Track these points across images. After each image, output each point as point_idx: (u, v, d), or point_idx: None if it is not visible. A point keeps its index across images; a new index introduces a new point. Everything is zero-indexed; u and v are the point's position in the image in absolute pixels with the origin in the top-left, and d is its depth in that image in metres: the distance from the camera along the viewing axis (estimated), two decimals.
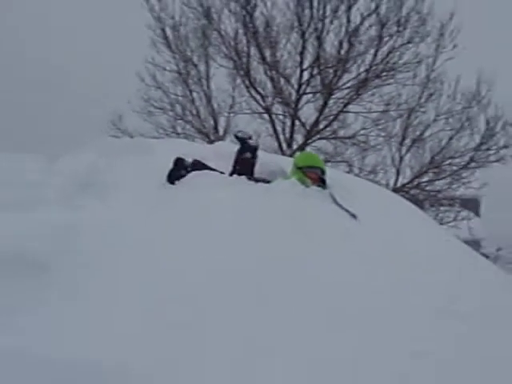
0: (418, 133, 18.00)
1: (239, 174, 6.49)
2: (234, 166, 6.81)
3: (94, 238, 5.15)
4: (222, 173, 6.52)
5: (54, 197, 5.93)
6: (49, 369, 3.66)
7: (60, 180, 6.28)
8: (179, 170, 6.47)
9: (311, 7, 17.46)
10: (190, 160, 6.66)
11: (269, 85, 18.09)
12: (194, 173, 6.29)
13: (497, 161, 17.47)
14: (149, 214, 5.54)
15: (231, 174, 6.60)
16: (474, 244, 20.90)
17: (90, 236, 5.17)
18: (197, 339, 4.19)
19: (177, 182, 6.34)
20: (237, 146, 7.05)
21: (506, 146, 17.28)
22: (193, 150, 7.36)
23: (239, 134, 7.02)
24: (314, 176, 6.28)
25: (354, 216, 5.85)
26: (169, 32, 18.06)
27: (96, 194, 5.86)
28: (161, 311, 4.41)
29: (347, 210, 5.89)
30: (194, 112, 18.28)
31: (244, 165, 6.80)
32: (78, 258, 4.87)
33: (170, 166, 6.50)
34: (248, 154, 6.85)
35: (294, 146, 17.85)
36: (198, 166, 6.60)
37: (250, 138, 7.10)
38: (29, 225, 5.29)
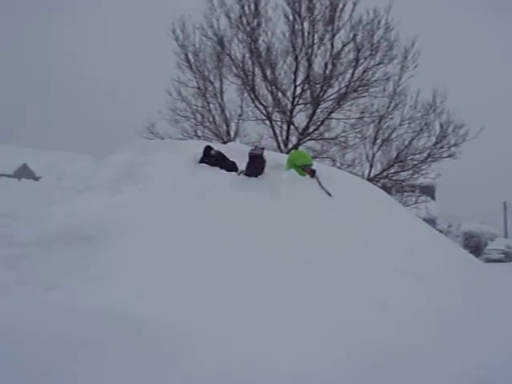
0: (386, 135, 17.85)
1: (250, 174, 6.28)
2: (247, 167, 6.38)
3: (129, 215, 5.14)
4: (233, 162, 6.57)
5: (100, 186, 5.92)
6: (93, 316, 3.67)
7: (106, 172, 6.27)
8: (206, 157, 6.56)
9: (303, 36, 17.31)
10: (215, 149, 6.70)
11: (269, 97, 17.96)
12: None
13: (448, 156, 17.38)
14: (176, 197, 5.51)
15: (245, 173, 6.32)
16: (431, 222, 20.84)
17: (126, 214, 5.15)
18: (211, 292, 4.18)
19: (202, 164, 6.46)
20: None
21: (455, 145, 17.17)
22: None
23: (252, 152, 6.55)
24: (308, 170, 6.56)
25: (329, 195, 6.14)
26: (190, 56, 17.93)
27: (134, 183, 5.84)
28: (185, 272, 4.40)
29: (326, 190, 6.19)
30: (211, 119, 18.18)
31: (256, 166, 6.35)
32: (116, 231, 4.87)
33: (201, 151, 6.60)
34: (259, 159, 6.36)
35: (289, 146, 17.76)
36: (219, 155, 6.63)
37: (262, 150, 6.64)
38: (80, 207, 5.30)
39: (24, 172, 39.58)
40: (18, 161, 42.03)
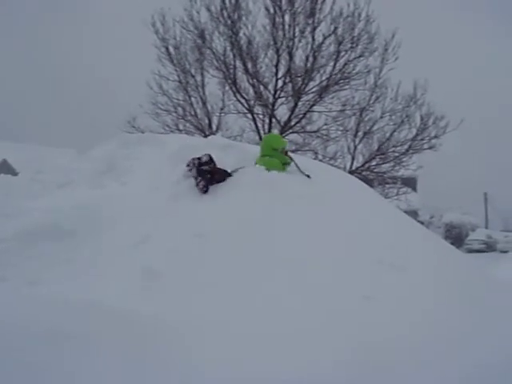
0: (368, 127, 17.93)
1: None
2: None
3: (111, 209, 5.12)
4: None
5: (81, 179, 5.90)
6: (79, 309, 3.67)
7: (87, 166, 6.24)
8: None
9: (283, 29, 17.29)
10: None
11: (251, 91, 17.94)
12: None
13: (429, 148, 17.50)
14: (157, 190, 5.50)
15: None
16: (412, 213, 21.03)
17: (108, 208, 5.14)
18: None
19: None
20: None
21: (436, 136, 17.30)
22: (191, 141, 7.32)
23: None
24: (285, 152, 6.68)
25: (308, 176, 6.29)
26: (171, 49, 17.84)
27: (115, 176, 5.83)
28: (169, 264, 4.40)
29: (304, 173, 6.35)
30: (193, 113, 18.12)
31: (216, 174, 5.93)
32: (98, 225, 4.86)
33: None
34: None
35: None
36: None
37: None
38: (61, 201, 5.28)
39: (3, 168, 39.03)
40: None
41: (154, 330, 3.65)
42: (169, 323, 3.73)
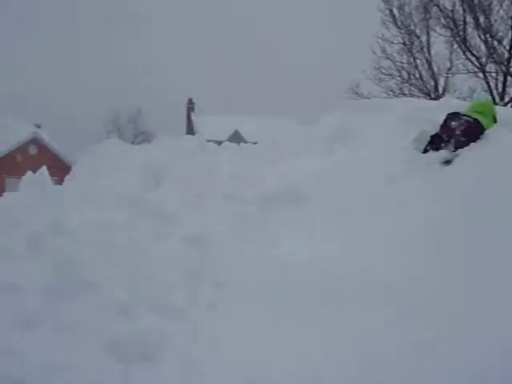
0: None
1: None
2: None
3: (341, 176, 5.21)
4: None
5: (313, 147, 6.15)
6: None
7: (317, 134, 6.48)
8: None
9: None
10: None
11: (482, 47, 16.72)
12: None
13: None
14: (388, 156, 5.40)
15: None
16: None
17: (338, 174, 5.25)
18: None
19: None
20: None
21: None
22: (422, 104, 7.07)
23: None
24: None
25: None
26: (395, 11, 17.53)
27: (345, 143, 5.93)
28: None
29: None
30: (417, 76, 17.62)
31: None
32: (329, 191, 5.00)
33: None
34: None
35: (506, 99, 16.34)
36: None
37: None
38: (295, 168, 5.60)
39: (236, 138, 42.44)
40: (230, 128, 45.51)
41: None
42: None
